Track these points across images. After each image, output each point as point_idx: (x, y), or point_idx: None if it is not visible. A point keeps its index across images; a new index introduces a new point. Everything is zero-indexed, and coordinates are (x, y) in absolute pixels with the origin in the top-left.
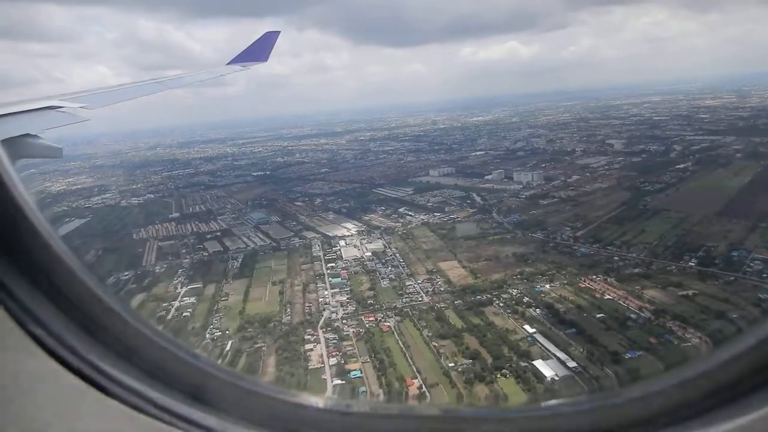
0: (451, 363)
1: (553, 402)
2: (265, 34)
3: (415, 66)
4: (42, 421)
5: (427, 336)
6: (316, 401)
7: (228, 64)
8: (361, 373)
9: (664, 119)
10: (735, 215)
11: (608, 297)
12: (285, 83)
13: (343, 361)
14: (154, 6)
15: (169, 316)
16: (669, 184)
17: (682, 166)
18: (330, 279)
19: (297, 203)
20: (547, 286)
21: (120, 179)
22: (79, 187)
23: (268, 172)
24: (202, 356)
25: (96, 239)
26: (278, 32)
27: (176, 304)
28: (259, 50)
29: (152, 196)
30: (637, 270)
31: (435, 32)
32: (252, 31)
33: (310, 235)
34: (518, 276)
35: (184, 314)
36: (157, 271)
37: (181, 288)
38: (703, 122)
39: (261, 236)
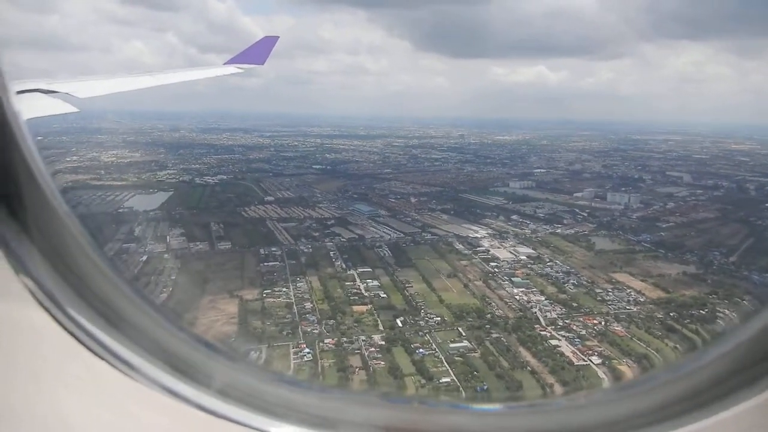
0: None
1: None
2: (263, 38)
3: (439, 79)
4: (32, 371)
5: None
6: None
7: (225, 64)
8: None
9: (704, 158)
10: None
11: None
12: (307, 80)
13: (605, 362)
14: None
15: (366, 296)
16: None
17: None
18: (510, 278)
19: (391, 199)
20: None
21: (169, 157)
22: (129, 160)
23: (328, 167)
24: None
25: (202, 213)
26: (277, 37)
27: (360, 285)
28: (257, 53)
29: (224, 177)
30: None
31: (494, 48)
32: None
33: (439, 232)
34: (712, 295)
35: (382, 295)
36: (304, 250)
37: (351, 270)
38: (748, 165)
39: (387, 228)
